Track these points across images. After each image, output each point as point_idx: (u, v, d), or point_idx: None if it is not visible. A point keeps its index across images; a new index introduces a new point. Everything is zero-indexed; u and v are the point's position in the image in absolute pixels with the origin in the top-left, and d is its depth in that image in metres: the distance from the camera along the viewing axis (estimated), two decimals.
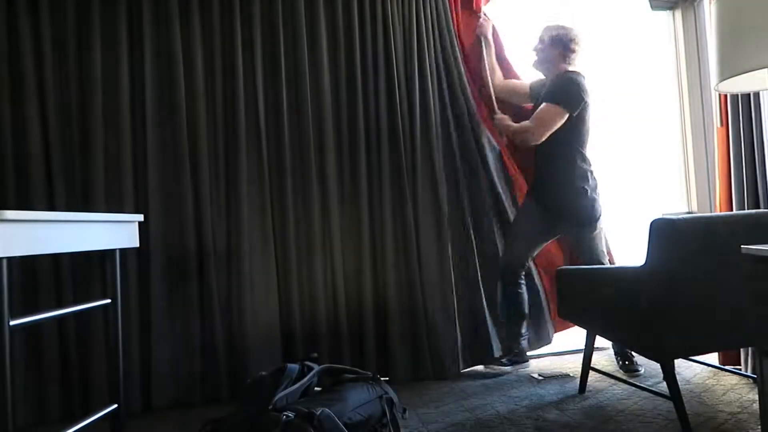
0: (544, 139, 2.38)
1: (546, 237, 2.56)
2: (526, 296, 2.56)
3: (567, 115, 2.35)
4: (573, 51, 2.45)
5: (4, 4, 2.14)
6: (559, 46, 2.45)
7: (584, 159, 2.44)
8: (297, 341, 2.37)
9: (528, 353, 2.59)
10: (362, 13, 2.52)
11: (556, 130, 2.37)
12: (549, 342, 2.71)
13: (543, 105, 2.39)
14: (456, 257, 2.57)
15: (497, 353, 2.55)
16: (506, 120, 2.53)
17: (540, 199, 2.51)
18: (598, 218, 2.44)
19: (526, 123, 2.42)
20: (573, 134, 2.40)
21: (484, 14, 2.66)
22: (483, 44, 2.65)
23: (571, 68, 2.45)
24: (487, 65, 2.65)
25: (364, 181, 2.49)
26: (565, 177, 2.42)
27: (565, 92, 2.36)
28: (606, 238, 2.57)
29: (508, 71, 2.72)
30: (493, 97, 2.64)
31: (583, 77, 2.42)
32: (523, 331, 2.54)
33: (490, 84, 2.64)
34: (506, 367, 2.49)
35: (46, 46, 2.16)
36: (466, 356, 2.55)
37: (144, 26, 2.27)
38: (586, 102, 2.37)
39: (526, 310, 2.55)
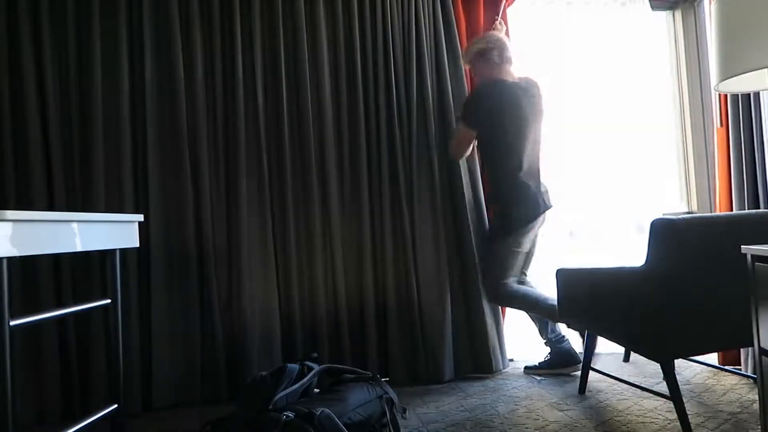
0: (464, 155, 2.47)
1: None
2: (532, 291, 2.46)
3: (474, 132, 2.39)
4: (489, 57, 2.43)
5: (4, 4, 2.14)
6: (483, 60, 2.45)
7: (501, 169, 2.42)
8: (297, 341, 2.37)
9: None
10: (362, 13, 2.52)
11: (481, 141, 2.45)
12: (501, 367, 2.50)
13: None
14: (455, 257, 2.56)
15: (498, 356, 2.52)
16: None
17: None
18: (500, 238, 2.43)
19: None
20: (486, 143, 2.44)
21: (500, 20, 2.65)
22: None
23: (496, 76, 2.44)
24: None
25: (364, 180, 2.48)
26: (490, 184, 2.52)
27: (465, 109, 2.43)
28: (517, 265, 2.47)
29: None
30: None
31: (494, 84, 2.39)
32: (554, 327, 2.46)
33: None
34: (552, 370, 2.44)
35: (46, 46, 2.16)
36: (467, 358, 2.53)
37: (144, 26, 2.27)
38: (487, 110, 2.36)
39: (543, 304, 2.38)
